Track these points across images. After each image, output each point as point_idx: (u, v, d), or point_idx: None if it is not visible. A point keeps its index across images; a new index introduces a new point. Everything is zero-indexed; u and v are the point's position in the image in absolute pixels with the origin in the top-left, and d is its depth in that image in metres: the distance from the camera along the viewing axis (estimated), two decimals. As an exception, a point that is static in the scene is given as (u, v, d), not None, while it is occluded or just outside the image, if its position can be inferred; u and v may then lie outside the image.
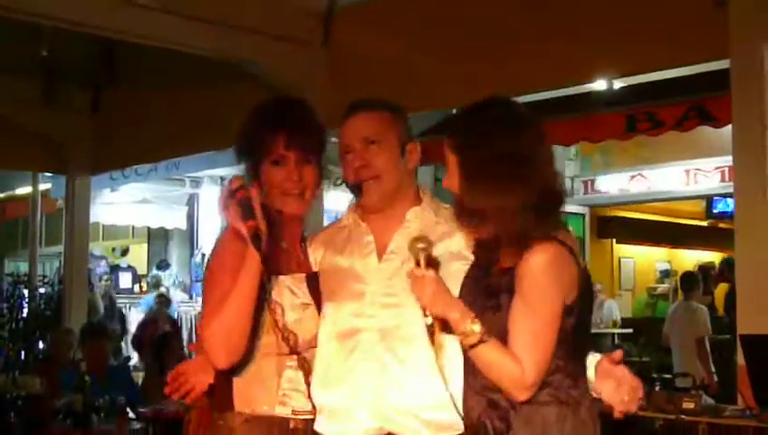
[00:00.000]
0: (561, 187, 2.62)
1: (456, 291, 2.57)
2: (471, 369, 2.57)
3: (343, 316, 2.76)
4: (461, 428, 2.62)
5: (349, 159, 2.83)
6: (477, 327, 2.42)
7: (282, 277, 2.85)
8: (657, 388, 5.53)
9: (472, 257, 2.67)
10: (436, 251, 2.57)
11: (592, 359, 2.65)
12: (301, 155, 2.87)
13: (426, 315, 2.48)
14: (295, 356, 2.83)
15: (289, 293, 2.85)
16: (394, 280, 2.72)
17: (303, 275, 2.89)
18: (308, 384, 2.83)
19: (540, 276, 2.44)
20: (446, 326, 2.51)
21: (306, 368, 2.83)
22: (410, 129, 2.94)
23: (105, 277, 14.42)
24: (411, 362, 2.66)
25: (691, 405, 5.03)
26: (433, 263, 2.52)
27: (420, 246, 2.48)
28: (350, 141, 2.82)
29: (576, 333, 2.52)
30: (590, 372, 2.63)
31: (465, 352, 2.55)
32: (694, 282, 9.89)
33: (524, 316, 2.44)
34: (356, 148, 2.80)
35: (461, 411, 2.62)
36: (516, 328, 2.45)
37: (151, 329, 10.05)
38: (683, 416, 4.97)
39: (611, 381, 2.62)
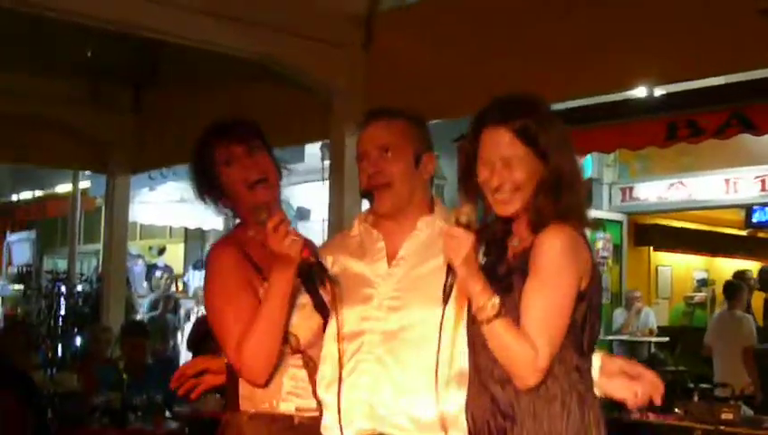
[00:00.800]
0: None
1: None
2: (475, 364, 2.58)
3: (351, 319, 2.79)
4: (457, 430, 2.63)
5: (363, 166, 2.87)
6: (496, 301, 2.44)
7: None
8: (695, 398, 5.49)
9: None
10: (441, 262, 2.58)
11: (596, 360, 2.65)
12: (245, 146, 3.01)
13: (448, 276, 2.51)
14: (299, 355, 2.87)
15: None
16: (402, 284, 2.77)
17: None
18: (312, 382, 2.86)
19: (556, 255, 2.46)
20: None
21: (311, 366, 2.87)
22: (430, 139, 2.98)
23: (165, 277, 14.38)
24: (411, 366, 2.68)
25: (730, 416, 5.00)
26: (471, 229, 2.52)
27: (465, 210, 2.52)
28: (366, 148, 2.87)
29: (585, 325, 2.52)
30: (594, 373, 2.63)
31: (472, 343, 2.57)
32: (738, 290, 9.68)
33: (539, 294, 2.45)
34: (371, 155, 2.85)
35: (456, 417, 2.62)
36: (529, 307, 2.45)
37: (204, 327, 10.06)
38: (722, 426, 4.93)
39: (621, 379, 2.64)
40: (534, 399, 2.48)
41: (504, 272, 2.57)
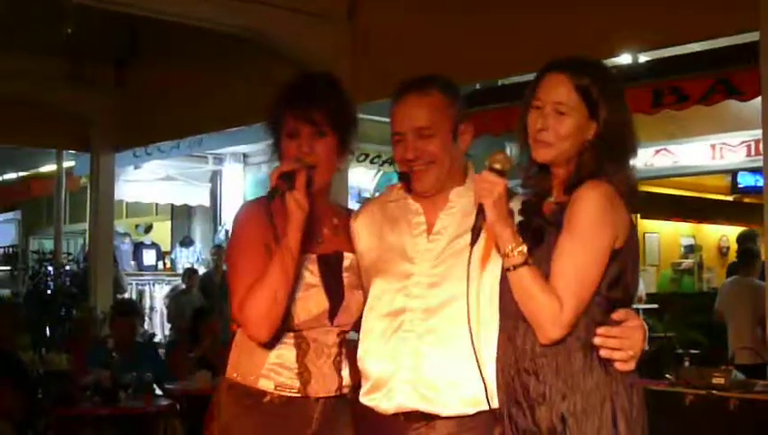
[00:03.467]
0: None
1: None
2: (503, 315, 2.57)
3: (390, 295, 2.77)
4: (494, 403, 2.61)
5: (400, 149, 2.80)
6: (524, 248, 2.44)
7: None
8: (686, 363, 5.49)
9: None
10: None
11: None
12: (313, 128, 2.86)
13: (477, 218, 2.51)
14: (293, 334, 2.85)
15: None
16: (441, 259, 2.74)
17: (315, 256, 2.88)
18: (301, 364, 2.85)
19: (592, 211, 2.44)
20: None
21: (303, 347, 2.86)
22: (463, 105, 2.87)
23: (213, 251, 13.72)
24: (452, 343, 2.65)
25: (721, 381, 5.00)
26: (504, 176, 2.52)
27: (499, 157, 2.53)
28: (402, 129, 2.78)
29: (617, 283, 2.50)
30: None
31: (502, 293, 2.56)
32: (753, 257, 9.51)
33: (571, 250, 2.43)
34: (407, 138, 2.77)
35: (493, 391, 2.60)
36: (560, 262, 2.44)
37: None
38: (713, 391, 4.94)
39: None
40: (556, 353, 2.46)
41: (538, 225, 2.56)
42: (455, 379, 2.66)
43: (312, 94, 2.92)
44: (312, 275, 2.87)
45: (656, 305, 12.90)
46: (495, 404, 2.60)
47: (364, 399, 2.80)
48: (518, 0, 6.18)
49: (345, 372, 2.93)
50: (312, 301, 2.85)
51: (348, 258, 2.93)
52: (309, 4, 6.88)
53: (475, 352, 2.58)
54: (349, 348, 2.94)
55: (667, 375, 5.50)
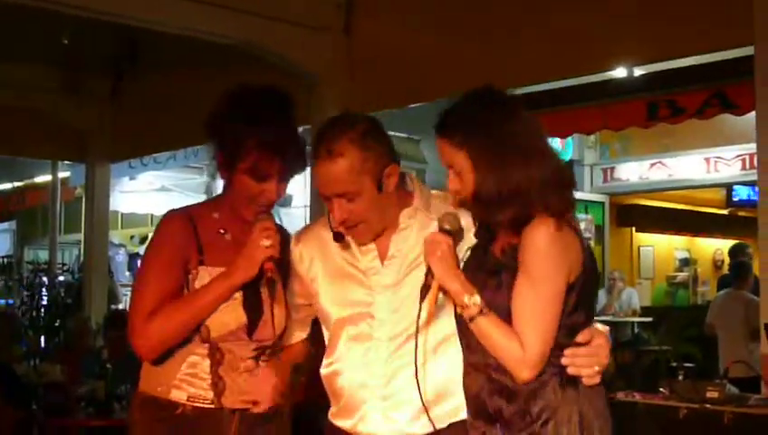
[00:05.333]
0: (568, 168, 2.63)
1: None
2: (467, 344, 2.58)
3: (348, 326, 2.75)
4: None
5: (328, 209, 2.72)
6: (477, 299, 2.45)
7: (209, 268, 2.79)
8: (680, 377, 5.48)
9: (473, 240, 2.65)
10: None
11: None
12: (284, 174, 2.78)
13: (427, 277, 2.52)
14: (206, 345, 2.78)
15: None
16: (400, 285, 2.70)
17: None
18: (215, 374, 2.78)
19: (543, 249, 2.43)
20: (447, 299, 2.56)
21: (217, 358, 2.78)
22: (386, 143, 2.70)
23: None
24: (401, 375, 2.68)
25: (715, 394, 4.99)
26: (453, 235, 2.56)
27: (449, 217, 2.55)
28: (325, 193, 2.68)
29: (576, 310, 2.51)
30: None
31: (463, 327, 2.57)
32: (747, 270, 9.48)
33: (528, 291, 2.44)
34: (333, 201, 2.66)
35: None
36: (519, 304, 2.45)
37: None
38: (707, 405, 4.93)
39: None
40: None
41: (492, 268, 2.56)
42: (401, 418, 2.68)
43: (288, 132, 2.79)
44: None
45: (650, 319, 12.93)
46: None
47: (335, 420, 2.79)
48: (515, 14, 6.19)
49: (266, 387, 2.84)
50: (231, 315, 2.77)
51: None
52: (306, 16, 6.89)
53: (418, 386, 2.58)
54: (275, 361, 2.89)
55: (661, 389, 5.49)
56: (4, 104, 8.95)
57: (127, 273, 14.89)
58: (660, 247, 16.44)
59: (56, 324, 11.34)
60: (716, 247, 17.02)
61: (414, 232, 2.72)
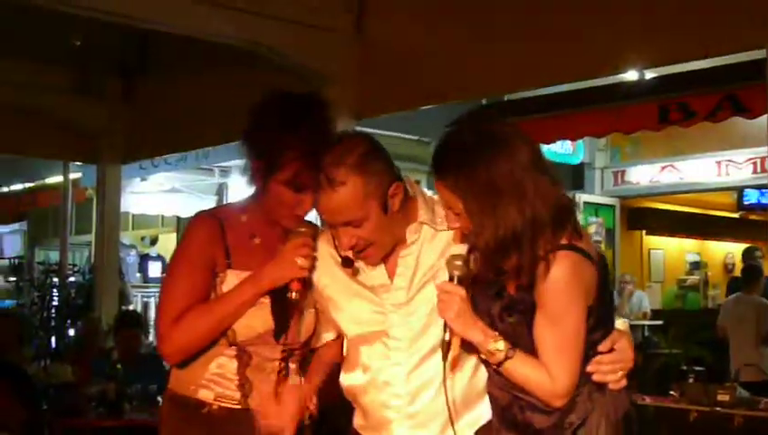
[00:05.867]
0: (566, 195, 2.57)
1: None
2: (493, 371, 2.58)
3: (365, 338, 2.76)
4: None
5: (335, 235, 2.72)
6: (501, 344, 2.46)
7: (236, 271, 2.80)
8: (691, 380, 5.48)
9: None
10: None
11: None
12: (328, 179, 2.67)
13: (445, 331, 2.50)
14: (235, 347, 2.80)
15: None
16: (412, 302, 2.70)
17: None
18: (242, 375, 2.81)
19: (561, 290, 2.43)
20: (468, 346, 2.55)
21: (244, 359, 2.81)
22: (386, 162, 2.68)
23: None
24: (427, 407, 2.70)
25: (726, 397, 4.99)
26: (465, 281, 2.51)
27: (457, 263, 2.50)
28: (332, 222, 2.68)
29: (597, 327, 2.53)
30: None
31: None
32: (758, 274, 9.43)
33: (550, 331, 2.45)
34: (339, 229, 2.66)
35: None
36: (542, 341, 2.46)
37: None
38: (718, 408, 4.93)
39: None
40: None
41: (511, 306, 2.54)
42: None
43: (327, 143, 2.67)
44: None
45: (660, 322, 12.91)
46: None
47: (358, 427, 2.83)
48: (525, 16, 6.18)
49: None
50: (257, 319, 2.78)
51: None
52: (317, 18, 6.89)
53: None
54: (297, 387, 2.89)
55: (672, 392, 5.49)
56: (15, 105, 8.96)
57: (138, 274, 14.91)
58: (671, 250, 16.41)
59: (67, 325, 11.35)
60: (727, 251, 16.99)
61: (421, 247, 2.71)
